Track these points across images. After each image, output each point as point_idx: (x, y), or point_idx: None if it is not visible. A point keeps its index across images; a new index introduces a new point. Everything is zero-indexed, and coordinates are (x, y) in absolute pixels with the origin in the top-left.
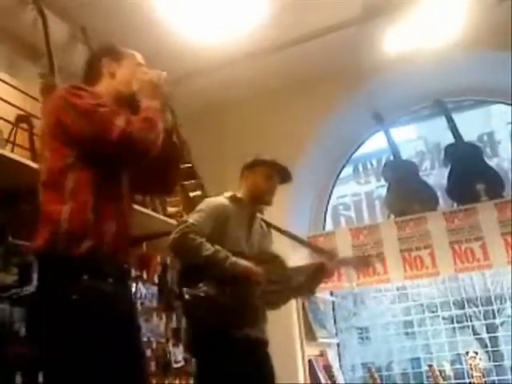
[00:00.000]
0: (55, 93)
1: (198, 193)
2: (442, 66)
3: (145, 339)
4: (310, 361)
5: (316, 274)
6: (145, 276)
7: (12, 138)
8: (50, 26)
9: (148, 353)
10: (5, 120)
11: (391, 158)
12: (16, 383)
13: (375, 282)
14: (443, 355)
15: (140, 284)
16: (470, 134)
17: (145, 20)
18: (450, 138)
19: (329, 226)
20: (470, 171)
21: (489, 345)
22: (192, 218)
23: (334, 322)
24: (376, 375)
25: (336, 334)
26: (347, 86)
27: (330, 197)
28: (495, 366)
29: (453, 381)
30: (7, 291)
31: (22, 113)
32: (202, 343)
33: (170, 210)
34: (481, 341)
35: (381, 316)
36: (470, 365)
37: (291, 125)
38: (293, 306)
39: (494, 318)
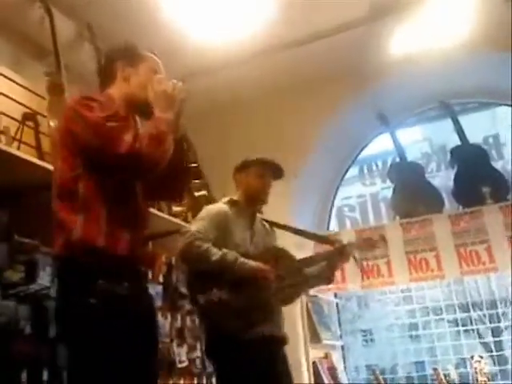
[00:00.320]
0: (67, 103)
1: (204, 192)
2: (449, 67)
3: None
4: (314, 363)
5: (335, 259)
6: (150, 275)
7: (18, 136)
8: (57, 24)
9: None
10: (11, 118)
11: (397, 159)
12: (21, 381)
13: (380, 284)
14: (448, 358)
15: None
16: (475, 136)
17: (151, 19)
18: (455, 140)
19: (333, 227)
20: (475, 174)
21: (493, 349)
22: (195, 227)
23: (339, 324)
24: (380, 377)
25: (340, 337)
26: (353, 87)
27: (334, 198)
28: (500, 370)
29: None
30: (13, 289)
31: (28, 111)
32: (219, 347)
33: (175, 209)
34: (485, 345)
35: (385, 318)
36: (475, 369)
37: (296, 125)
38: (297, 308)
39: (499, 321)
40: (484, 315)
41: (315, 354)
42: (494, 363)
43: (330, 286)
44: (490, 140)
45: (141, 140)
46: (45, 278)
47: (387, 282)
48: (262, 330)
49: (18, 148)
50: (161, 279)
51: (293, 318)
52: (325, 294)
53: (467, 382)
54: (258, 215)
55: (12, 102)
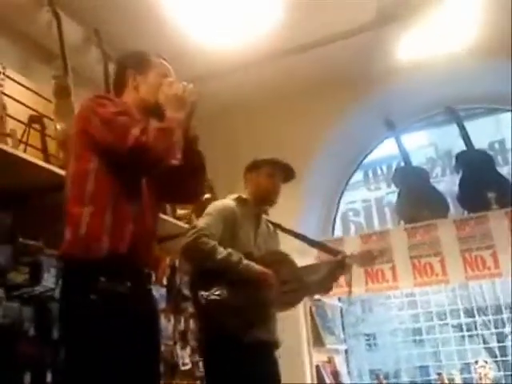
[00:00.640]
0: (82, 102)
1: (208, 195)
2: (455, 73)
3: None
4: (317, 367)
5: (336, 270)
6: (154, 278)
7: (25, 139)
8: (64, 28)
9: None
10: (18, 120)
11: (402, 164)
12: (25, 382)
13: (384, 288)
14: (452, 363)
15: None
16: (481, 142)
17: (159, 23)
18: (460, 146)
19: (338, 232)
20: (481, 179)
21: (498, 354)
22: (202, 222)
23: (343, 328)
24: (384, 382)
25: (344, 341)
26: (359, 92)
27: (339, 202)
28: (504, 375)
29: None
30: (17, 290)
31: (34, 113)
32: (213, 347)
33: (180, 212)
34: (490, 350)
35: (389, 323)
36: (480, 374)
37: (303, 129)
38: (301, 312)
39: (504, 326)
40: (489, 320)
41: (319, 357)
42: (499, 368)
43: (335, 291)
44: (496, 145)
45: (148, 134)
46: (49, 280)
47: (392, 286)
48: (258, 333)
49: (25, 151)
50: (165, 282)
51: (296, 321)
52: (329, 298)
53: None
54: (264, 216)
55: (19, 105)
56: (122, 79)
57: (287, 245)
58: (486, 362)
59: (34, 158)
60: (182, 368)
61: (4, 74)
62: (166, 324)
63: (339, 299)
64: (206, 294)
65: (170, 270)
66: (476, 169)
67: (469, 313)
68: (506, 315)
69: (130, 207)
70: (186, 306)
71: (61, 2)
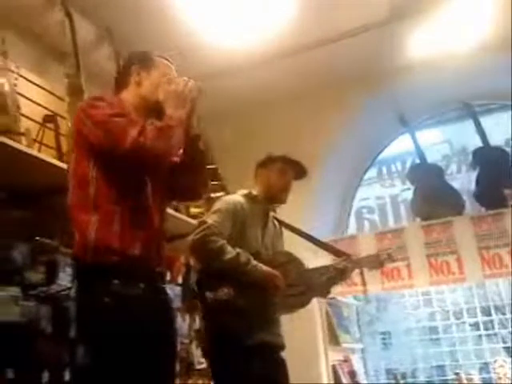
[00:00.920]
0: (79, 105)
1: (221, 194)
2: (469, 68)
3: None
4: (333, 366)
5: (336, 276)
6: (168, 277)
7: (39, 138)
8: (77, 27)
9: None
10: (32, 120)
11: (416, 160)
12: (42, 381)
13: (400, 287)
14: (469, 363)
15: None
16: (497, 138)
17: (170, 22)
18: (475, 142)
19: (352, 230)
20: (498, 176)
21: None
22: (211, 219)
23: (358, 327)
24: (401, 382)
25: (360, 340)
26: (373, 88)
27: (353, 199)
28: None
29: None
30: (34, 289)
31: (48, 113)
32: (218, 347)
33: (193, 210)
34: (508, 349)
35: (404, 321)
36: (499, 373)
37: (315, 126)
38: (316, 310)
39: None
40: (506, 319)
41: (334, 357)
42: None
43: (351, 289)
44: None
45: (146, 134)
46: (65, 279)
47: (407, 284)
48: (263, 336)
49: (39, 150)
50: (179, 280)
51: (312, 320)
52: (344, 296)
53: None
54: (271, 214)
55: (32, 104)
56: (125, 75)
57: (301, 243)
58: (505, 362)
59: (48, 156)
60: (198, 367)
61: (18, 73)
62: (182, 323)
63: (355, 297)
64: (213, 293)
65: (185, 269)
66: (493, 165)
67: (486, 311)
68: None
69: (137, 208)
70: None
71: (73, 1)
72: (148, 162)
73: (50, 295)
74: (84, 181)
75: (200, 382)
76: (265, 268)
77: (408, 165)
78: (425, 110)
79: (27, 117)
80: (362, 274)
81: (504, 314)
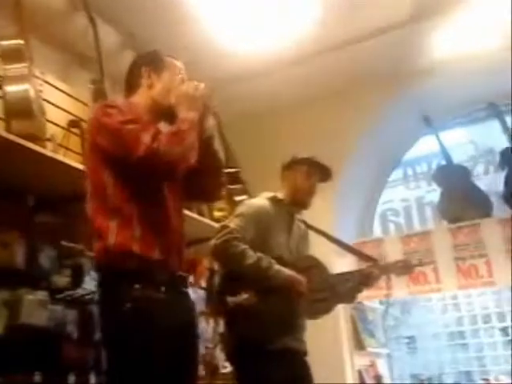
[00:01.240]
0: (92, 112)
1: (244, 197)
2: (494, 68)
3: None
4: (359, 371)
5: (362, 282)
6: (192, 280)
7: (64, 143)
8: (100, 33)
9: None
10: (57, 125)
11: (442, 162)
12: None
13: (427, 291)
14: (498, 369)
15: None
16: None
17: (193, 27)
18: (500, 142)
19: (377, 233)
20: None
21: None
22: (233, 223)
23: (383, 331)
24: None
25: (386, 344)
26: (396, 88)
27: (378, 202)
28: None
29: None
30: (61, 293)
31: (73, 118)
32: (241, 353)
33: (217, 214)
34: None
35: (430, 325)
36: None
37: (339, 128)
38: (341, 315)
39: None
40: None
41: (360, 361)
42: None
43: (376, 293)
44: None
45: (160, 140)
46: (90, 283)
47: (434, 288)
48: (286, 341)
49: (64, 155)
50: (203, 284)
51: (337, 325)
52: (369, 300)
53: None
54: (297, 216)
55: (58, 110)
56: (136, 77)
57: (326, 246)
58: None
59: (73, 161)
60: (222, 371)
61: (43, 79)
62: (206, 327)
63: (380, 302)
64: (235, 298)
65: (209, 273)
66: None
67: None
68: None
69: (156, 213)
70: (218, 307)
71: (96, 7)
72: (163, 168)
73: (76, 299)
74: (101, 187)
75: None
76: (287, 272)
77: (433, 166)
78: (449, 110)
79: (52, 122)
80: (388, 278)
81: None
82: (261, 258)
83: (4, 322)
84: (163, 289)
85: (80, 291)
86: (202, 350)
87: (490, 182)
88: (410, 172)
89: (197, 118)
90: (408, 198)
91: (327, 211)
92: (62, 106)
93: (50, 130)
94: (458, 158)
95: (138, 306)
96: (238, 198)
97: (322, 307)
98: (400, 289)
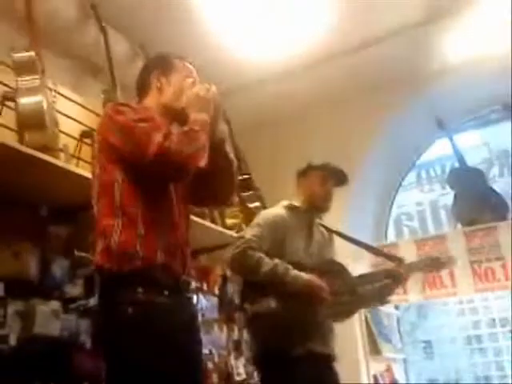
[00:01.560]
0: (103, 111)
1: (257, 204)
2: (507, 69)
3: (206, 351)
4: (374, 376)
5: (389, 282)
6: (205, 287)
7: (77, 153)
8: (111, 43)
9: (210, 365)
10: (70, 136)
11: (456, 164)
12: None
13: (443, 295)
14: None
15: (200, 296)
16: None
17: (204, 35)
18: None
19: (391, 238)
20: None
21: None
22: (249, 233)
23: (400, 336)
24: None
25: (402, 349)
26: (409, 91)
27: (391, 206)
28: None
29: None
30: (73, 303)
31: (85, 128)
32: (266, 360)
33: (229, 221)
34: None
35: (446, 329)
36: None
37: (352, 132)
38: (356, 320)
39: None
40: None
41: (376, 367)
42: None
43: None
44: None
45: (171, 139)
46: None
47: (450, 292)
48: (310, 346)
49: (77, 165)
50: (216, 291)
51: (352, 329)
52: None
53: None
54: (318, 221)
55: (70, 121)
56: (146, 81)
57: (341, 250)
58: None
59: (86, 171)
60: (237, 378)
61: (55, 90)
62: (220, 334)
63: (395, 306)
64: (255, 306)
65: (222, 280)
66: None
67: None
68: None
69: (162, 215)
70: (239, 315)
71: (107, 16)
72: (174, 167)
73: (89, 309)
74: (110, 187)
75: None
76: (306, 277)
77: (447, 169)
78: (463, 112)
79: (65, 133)
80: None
81: None
82: (277, 265)
83: (17, 332)
84: (166, 293)
85: (92, 301)
86: (215, 357)
87: (505, 184)
88: (423, 175)
89: (208, 120)
90: (422, 201)
91: (341, 215)
92: (75, 117)
93: (63, 140)
94: (472, 160)
95: (141, 310)
96: (250, 205)
97: (346, 310)
98: (416, 293)
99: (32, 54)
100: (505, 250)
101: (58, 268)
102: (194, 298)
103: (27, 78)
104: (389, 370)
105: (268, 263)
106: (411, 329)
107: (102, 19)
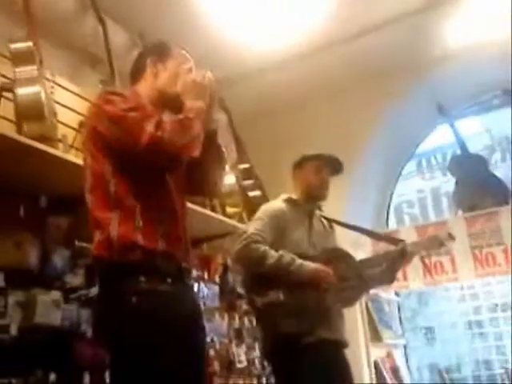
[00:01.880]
0: (93, 100)
1: (257, 193)
2: (508, 54)
3: (208, 339)
4: (375, 362)
5: (396, 260)
6: (206, 276)
7: (75, 144)
8: (110, 33)
9: (211, 352)
10: (68, 126)
11: (457, 151)
12: (84, 383)
13: (444, 280)
14: None
15: (202, 284)
16: None
17: (203, 25)
18: None
19: (392, 224)
20: None
21: None
22: (252, 228)
23: (400, 322)
24: (447, 377)
25: (402, 335)
26: (410, 77)
27: (392, 194)
28: None
29: None
30: (74, 293)
31: (83, 119)
32: (276, 350)
33: (230, 210)
34: None
35: (447, 315)
36: None
37: (352, 120)
38: (357, 306)
39: None
40: None
41: (377, 353)
42: None
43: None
44: None
45: (163, 128)
46: None
47: (451, 278)
48: (320, 333)
49: (76, 155)
50: (217, 279)
51: (353, 316)
52: (385, 292)
53: None
54: (318, 212)
55: (69, 111)
56: (141, 66)
57: (341, 239)
58: None
59: None
60: (238, 366)
61: (53, 81)
62: (221, 322)
63: (396, 293)
64: (263, 296)
65: (223, 268)
66: None
67: None
68: None
69: (160, 204)
70: (240, 303)
71: (105, 6)
72: (167, 157)
73: (90, 298)
74: (102, 178)
75: (240, 381)
76: (312, 265)
77: (448, 156)
78: (464, 98)
79: (63, 123)
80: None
81: None
82: (282, 256)
83: (18, 322)
84: (169, 281)
85: (93, 290)
86: (217, 345)
87: (507, 169)
88: (424, 164)
89: (204, 108)
90: (423, 188)
91: (341, 204)
92: (73, 107)
93: (61, 131)
94: (473, 147)
95: (145, 299)
96: (251, 194)
97: (353, 294)
98: (416, 279)
99: (30, 44)
100: (506, 235)
101: (59, 258)
102: (195, 285)
103: (25, 68)
104: (389, 356)
105: (273, 255)
106: (412, 315)
107: (101, 10)
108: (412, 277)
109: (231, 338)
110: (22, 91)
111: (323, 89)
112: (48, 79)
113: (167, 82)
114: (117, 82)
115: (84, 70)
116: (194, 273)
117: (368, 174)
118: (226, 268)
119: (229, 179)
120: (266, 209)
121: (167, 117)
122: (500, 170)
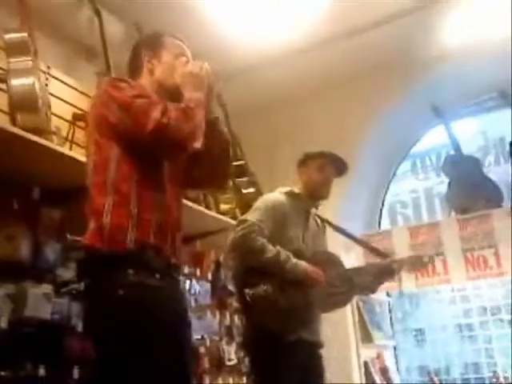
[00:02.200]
0: (100, 86)
1: (251, 190)
2: (505, 56)
3: (198, 336)
4: (365, 363)
5: (382, 275)
6: (198, 273)
7: (70, 136)
8: (105, 25)
9: (202, 350)
10: (62, 119)
11: (452, 152)
12: (73, 377)
13: (436, 282)
14: (507, 362)
15: (193, 281)
16: None
17: (200, 16)
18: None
19: (385, 225)
20: None
21: None
22: (252, 217)
23: (391, 323)
24: (436, 379)
25: (393, 336)
26: (405, 78)
27: (386, 194)
28: None
29: None
30: (66, 286)
31: (78, 111)
32: (256, 344)
33: (223, 207)
34: None
35: (438, 318)
36: None
37: (346, 119)
38: (348, 308)
39: None
40: None
41: (367, 354)
42: None
43: (385, 286)
44: None
45: (169, 115)
46: None
47: (443, 280)
48: (301, 333)
49: (70, 148)
50: (209, 277)
51: (344, 317)
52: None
53: None
54: (313, 211)
55: (63, 103)
56: (137, 62)
57: (334, 240)
58: None
59: (78, 154)
60: (228, 363)
61: (48, 73)
62: (212, 319)
63: (387, 294)
64: (252, 290)
65: (215, 265)
66: None
67: None
68: None
69: (155, 195)
70: (231, 301)
71: None
72: (172, 144)
73: (81, 292)
74: (104, 164)
75: (230, 379)
76: (305, 265)
77: (443, 157)
78: (459, 99)
79: (58, 116)
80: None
81: None
82: (279, 252)
83: (8, 315)
84: (158, 276)
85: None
86: (207, 342)
87: (500, 172)
88: (418, 164)
89: (203, 98)
90: (417, 189)
91: (335, 203)
92: (67, 100)
93: (55, 123)
94: (468, 148)
95: (131, 292)
96: (245, 191)
97: (337, 300)
98: (408, 281)
99: (24, 34)
100: (498, 237)
101: (51, 251)
102: (187, 282)
103: (19, 59)
104: (379, 356)
105: (271, 250)
106: (403, 317)
107: (96, 0)
108: (404, 278)
109: (222, 336)
110: (16, 82)
111: (318, 86)
112: (42, 71)
113: (164, 73)
114: (112, 74)
115: (78, 62)
116: (186, 269)
117: (362, 173)
118: (218, 265)
119: None
120: (266, 200)
121: (170, 105)
122: (494, 173)
